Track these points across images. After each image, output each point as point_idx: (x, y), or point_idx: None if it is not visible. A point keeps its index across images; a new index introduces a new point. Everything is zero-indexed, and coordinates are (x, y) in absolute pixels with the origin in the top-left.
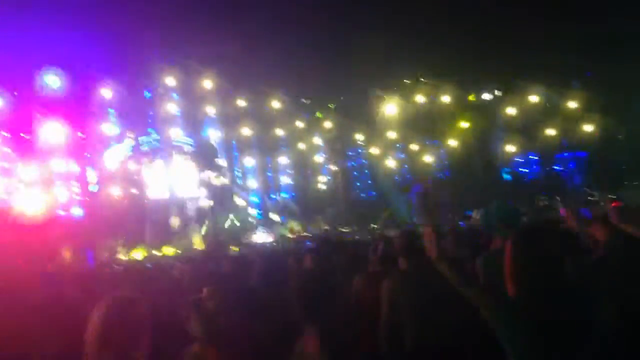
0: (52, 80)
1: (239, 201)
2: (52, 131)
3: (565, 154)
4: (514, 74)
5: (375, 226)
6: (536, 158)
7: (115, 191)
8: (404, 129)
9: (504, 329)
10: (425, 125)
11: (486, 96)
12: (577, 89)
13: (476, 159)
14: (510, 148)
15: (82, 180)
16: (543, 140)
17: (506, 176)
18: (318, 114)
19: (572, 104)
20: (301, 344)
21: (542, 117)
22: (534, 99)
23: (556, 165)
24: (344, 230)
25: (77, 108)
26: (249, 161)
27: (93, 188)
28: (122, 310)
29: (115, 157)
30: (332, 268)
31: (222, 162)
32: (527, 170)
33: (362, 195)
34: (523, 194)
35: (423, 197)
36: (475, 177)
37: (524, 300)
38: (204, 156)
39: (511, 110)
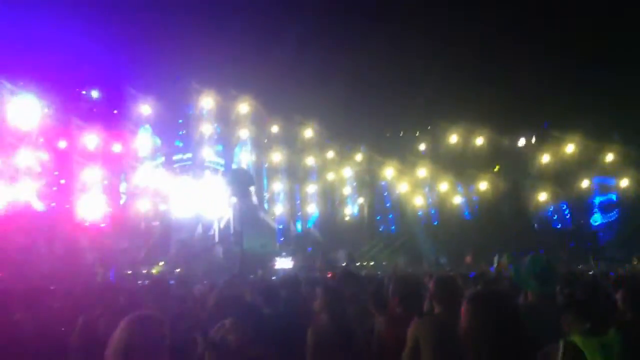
0: (93, 94)
1: (264, 226)
2: (89, 142)
3: (598, 207)
4: (551, 123)
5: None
6: (567, 208)
7: (144, 206)
8: (435, 168)
9: None
10: (457, 166)
11: (521, 142)
12: (616, 142)
13: (506, 204)
14: (542, 196)
15: (114, 192)
16: (576, 190)
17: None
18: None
19: (609, 157)
20: None
21: (576, 168)
22: (569, 148)
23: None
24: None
25: (114, 121)
26: (278, 187)
27: (122, 201)
28: (143, 328)
29: (147, 172)
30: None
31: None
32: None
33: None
34: (551, 243)
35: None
36: (504, 222)
37: None
38: (237, 180)
39: (545, 159)
